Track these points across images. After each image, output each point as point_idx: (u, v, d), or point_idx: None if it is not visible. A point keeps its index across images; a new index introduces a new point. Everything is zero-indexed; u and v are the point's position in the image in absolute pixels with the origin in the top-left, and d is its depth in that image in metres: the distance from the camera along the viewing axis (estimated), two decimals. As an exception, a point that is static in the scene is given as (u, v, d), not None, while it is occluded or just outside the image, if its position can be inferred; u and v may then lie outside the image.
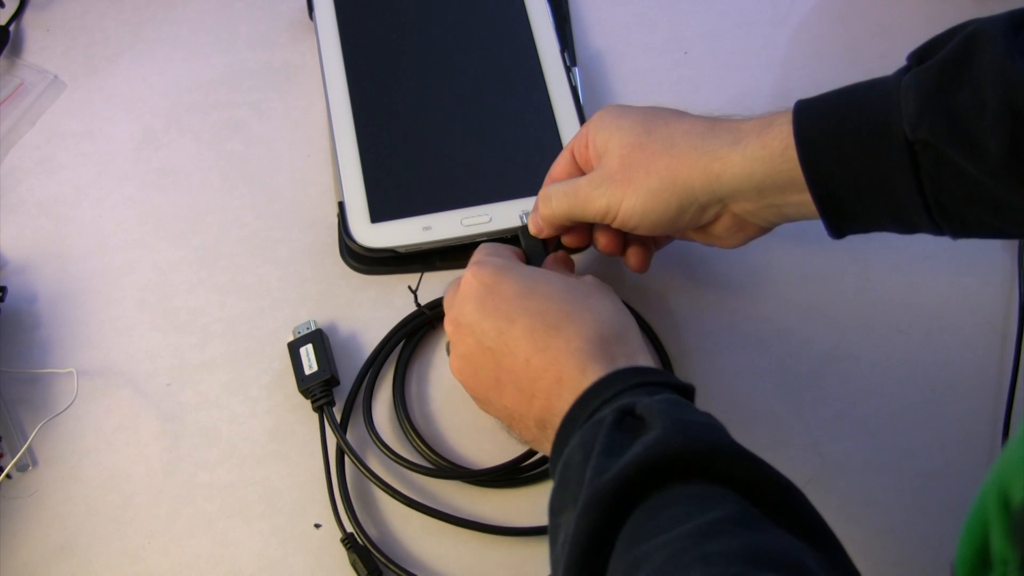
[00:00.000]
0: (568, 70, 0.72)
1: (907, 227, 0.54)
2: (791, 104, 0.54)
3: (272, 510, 0.60)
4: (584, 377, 0.50)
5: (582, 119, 0.70)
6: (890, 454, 0.61)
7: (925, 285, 0.66)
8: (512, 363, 0.52)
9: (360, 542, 0.58)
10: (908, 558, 0.58)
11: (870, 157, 0.51)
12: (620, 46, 0.76)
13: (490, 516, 0.59)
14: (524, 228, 0.63)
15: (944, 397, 0.62)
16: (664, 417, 0.45)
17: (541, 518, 0.54)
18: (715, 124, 0.56)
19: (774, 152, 0.53)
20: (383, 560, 0.57)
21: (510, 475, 0.60)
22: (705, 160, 0.54)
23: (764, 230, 0.59)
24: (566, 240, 0.62)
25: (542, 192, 0.61)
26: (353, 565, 0.58)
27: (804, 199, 0.53)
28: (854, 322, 0.65)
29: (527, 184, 0.68)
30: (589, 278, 0.57)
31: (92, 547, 0.59)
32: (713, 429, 0.46)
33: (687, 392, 0.50)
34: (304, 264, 0.68)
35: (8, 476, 0.61)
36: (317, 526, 0.59)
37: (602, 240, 0.61)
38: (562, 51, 0.72)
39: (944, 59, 0.49)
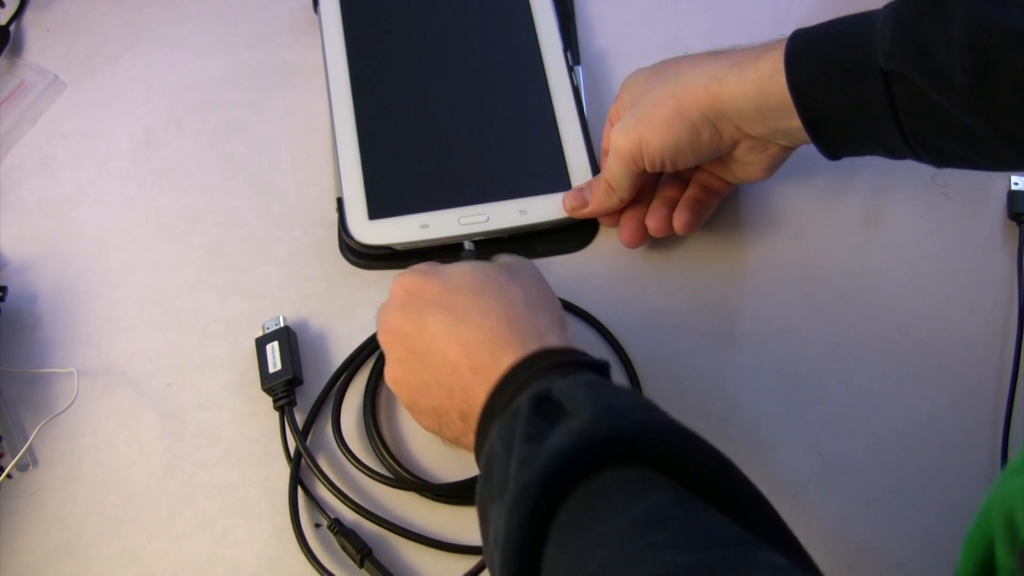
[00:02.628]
0: (570, 69, 0.72)
1: (893, 154, 0.57)
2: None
3: (273, 510, 0.60)
4: (497, 365, 0.50)
5: (583, 119, 0.70)
6: (890, 454, 0.61)
7: (925, 285, 0.66)
8: (431, 360, 0.53)
9: (346, 526, 0.59)
10: (908, 558, 0.58)
11: (850, 85, 0.54)
12: (620, 46, 0.76)
13: (447, 530, 0.59)
14: (465, 252, 0.66)
15: (944, 397, 0.62)
16: (585, 401, 0.44)
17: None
18: (718, 53, 0.60)
19: (764, 75, 0.56)
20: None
21: (466, 490, 0.59)
22: (706, 83, 0.58)
23: (787, 149, 0.62)
24: (623, 237, 0.66)
25: (597, 177, 0.66)
26: (343, 548, 0.58)
27: (800, 124, 0.56)
28: (854, 322, 0.65)
29: (526, 184, 0.68)
30: (505, 258, 0.57)
31: (92, 547, 0.59)
32: (638, 408, 0.44)
33: (602, 369, 0.49)
34: (304, 264, 0.68)
35: (8, 476, 0.61)
36: (317, 525, 0.59)
37: (652, 223, 0.65)
38: (565, 50, 0.72)
39: None
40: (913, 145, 0.55)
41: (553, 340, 0.51)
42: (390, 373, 0.56)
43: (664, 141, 0.60)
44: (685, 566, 0.37)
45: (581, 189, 0.66)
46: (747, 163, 0.62)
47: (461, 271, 0.55)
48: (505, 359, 0.49)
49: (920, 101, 0.52)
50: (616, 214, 0.66)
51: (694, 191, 0.65)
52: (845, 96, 0.54)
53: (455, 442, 0.55)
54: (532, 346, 0.50)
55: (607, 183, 0.64)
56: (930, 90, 0.51)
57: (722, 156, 0.62)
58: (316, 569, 0.57)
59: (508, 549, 0.41)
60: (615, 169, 0.63)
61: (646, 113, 0.60)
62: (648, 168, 0.62)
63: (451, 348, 0.52)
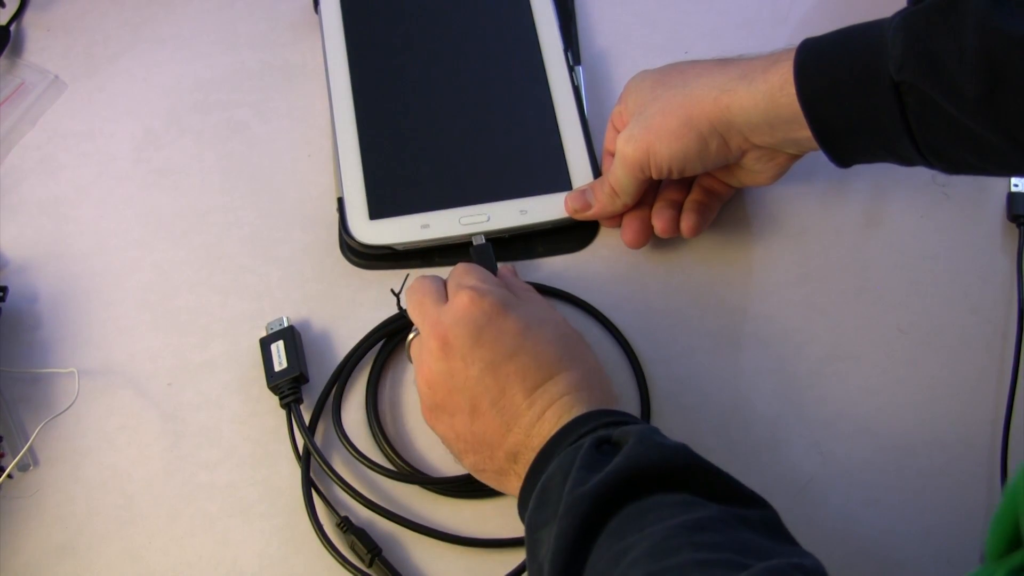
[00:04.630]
0: (571, 69, 0.72)
1: (904, 161, 0.57)
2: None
3: (273, 510, 0.60)
4: (565, 417, 0.52)
5: (584, 119, 0.70)
6: (890, 454, 0.61)
7: (925, 285, 0.66)
8: (497, 395, 0.54)
9: (356, 524, 0.59)
10: (908, 558, 0.58)
11: (861, 96, 0.54)
12: (621, 45, 0.76)
13: (453, 526, 0.59)
14: (476, 247, 0.65)
15: (944, 397, 0.62)
16: (643, 439, 0.47)
17: (500, 530, 0.58)
18: (726, 62, 0.60)
19: (774, 87, 0.56)
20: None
21: (471, 484, 0.59)
22: (715, 94, 0.58)
23: (795, 157, 0.62)
24: (627, 238, 0.66)
25: (599, 179, 0.66)
26: (352, 547, 0.58)
27: (809, 134, 0.57)
28: (854, 322, 0.65)
29: (526, 184, 0.68)
30: (571, 328, 0.59)
31: (93, 547, 0.59)
32: (688, 450, 0.48)
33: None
34: (305, 264, 0.68)
35: (9, 476, 0.61)
36: (318, 526, 0.59)
37: (658, 224, 0.65)
38: (565, 50, 0.72)
39: (933, 2, 0.52)
40: (925, 154, 0.55)
41: (615, 407, 0.53)
42: (430, 377, 0.56)
43: (672, 151, 0.60)
44: (726, 563, 0.40)
45: (584, 191, 0.66)
46: (754, 171, 0.63)
47: (544, 323, 0.56)
48: (575, 413, 0.52)
49: (932, 111, 0.52)
50: (618, 216, 0.66)
51: (698, 194, 0.65)
52: (856, 107, 0.54)
53: (474, 469, 0.56)
54: (599, 406, 0.52)
55: (611, 188, 0.64)
56: (942, 100, 0.51)
57: (729, 164, 0.62)
58: (342, 565, 0.57)
59: (558, 550, 0.44)
60: (621, 176, 0.63)
61: (653, 122, 0.60)
62: (655, 176, 0.62)
63: (524, 394, 0.53)
